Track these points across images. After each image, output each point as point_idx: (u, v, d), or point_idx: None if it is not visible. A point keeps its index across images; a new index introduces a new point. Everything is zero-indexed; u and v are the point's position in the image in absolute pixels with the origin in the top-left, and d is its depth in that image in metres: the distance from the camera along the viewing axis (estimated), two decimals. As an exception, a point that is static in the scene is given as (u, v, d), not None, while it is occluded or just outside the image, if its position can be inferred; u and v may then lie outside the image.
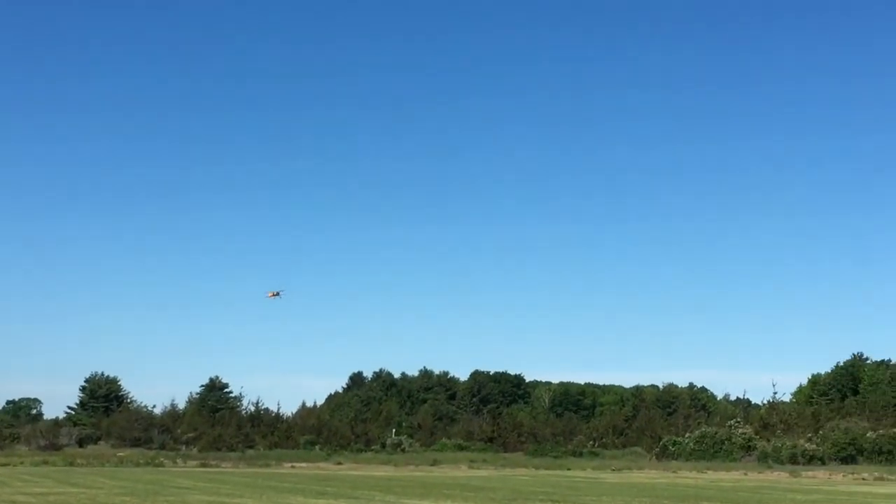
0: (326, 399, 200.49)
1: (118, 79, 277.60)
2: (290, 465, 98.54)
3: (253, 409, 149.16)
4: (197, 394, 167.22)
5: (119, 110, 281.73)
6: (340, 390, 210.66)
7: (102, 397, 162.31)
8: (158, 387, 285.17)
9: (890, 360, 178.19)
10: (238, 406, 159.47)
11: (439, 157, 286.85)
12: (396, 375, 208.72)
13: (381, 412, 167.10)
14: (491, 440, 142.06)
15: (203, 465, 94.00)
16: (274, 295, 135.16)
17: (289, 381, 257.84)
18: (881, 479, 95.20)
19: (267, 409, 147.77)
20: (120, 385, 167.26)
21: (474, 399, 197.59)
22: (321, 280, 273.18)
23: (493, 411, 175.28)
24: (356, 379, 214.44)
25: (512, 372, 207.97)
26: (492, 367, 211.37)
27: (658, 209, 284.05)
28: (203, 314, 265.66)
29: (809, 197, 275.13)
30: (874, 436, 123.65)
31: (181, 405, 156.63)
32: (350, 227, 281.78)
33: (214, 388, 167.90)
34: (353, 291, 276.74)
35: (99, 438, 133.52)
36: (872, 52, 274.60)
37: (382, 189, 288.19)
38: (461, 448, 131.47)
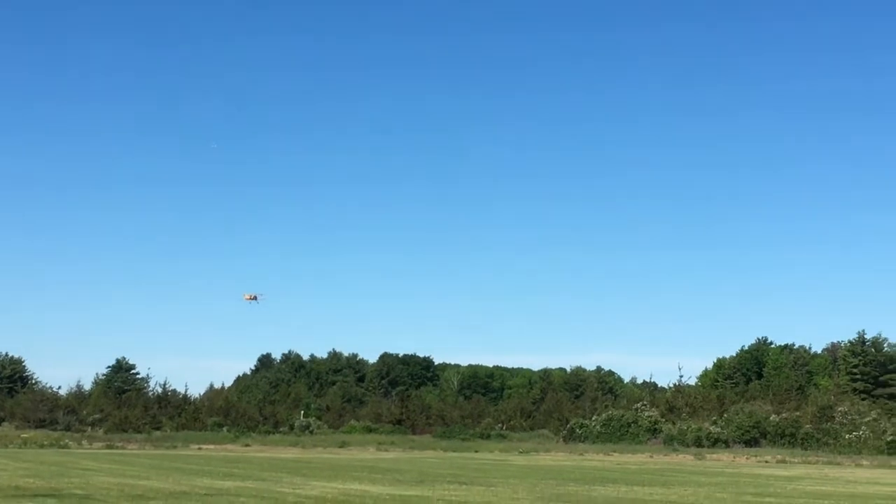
0: (234, 381, 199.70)
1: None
2: (197, 446, 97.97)
3: (160, 390, 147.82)
4: (103, 375, 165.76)
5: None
6: (248, 372, 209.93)
7: (6, 378, 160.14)
8: (64, 368, 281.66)
9: (793, 345, 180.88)
10: (145, 387, 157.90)
11: (347, 139, 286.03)
12: (305, 357, 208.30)
13: (290, 394, 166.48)
14: (399, 422, 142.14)
15: (109, 447, 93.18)
16: (251, 298, 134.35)
17: (196, 363, 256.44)
18: (783, 461, 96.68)
19: (174, 391, 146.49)
20: (24, 366, 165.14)
21: (383, 381, 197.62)
22: (229, 262, 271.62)
23: (401, 394, 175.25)
24: (264, 361, 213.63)
25: (421, 354, 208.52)
26: (401, 350, 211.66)
27: (562, 193, 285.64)
28: (109, 295, 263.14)
29: (714, 182, 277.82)
30: (777, 419, 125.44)
31: (87, 386, 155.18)
32: (257, 211, 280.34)
33: (121, 370, 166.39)
34: (261, 273, 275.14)
35: (2, 420, 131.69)
36: None
37: (293, 171, 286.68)
38: (369, 430, 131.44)
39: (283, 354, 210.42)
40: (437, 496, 39.59)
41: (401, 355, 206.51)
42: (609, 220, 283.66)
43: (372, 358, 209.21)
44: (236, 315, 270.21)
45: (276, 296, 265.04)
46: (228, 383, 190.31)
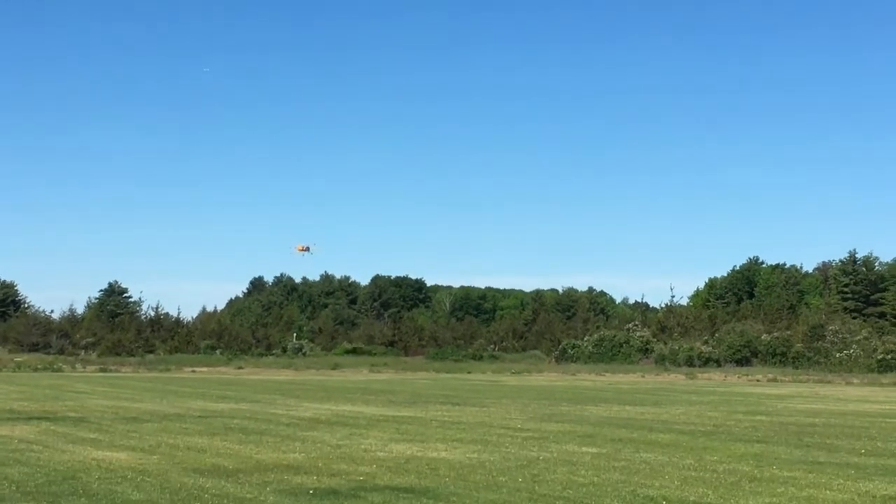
0: (227, 304, 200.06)
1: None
2: (190, 369, 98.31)
3: (153, 313, 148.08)
4: (96, 299, 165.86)
5: None
6: (241, 295, 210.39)
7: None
8: (56, 292, 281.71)
9: (784, 264, 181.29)
10: (137, 311, 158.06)
11: (332, 63, 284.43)
12: (297, 280, 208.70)
13: (282, 317, 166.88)
14: (392, 344, 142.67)
15: (102, 370, 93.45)
16: (303, 249, 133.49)
17: (189, 287, 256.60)
18: (774, 380, 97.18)
19: (167, 314, 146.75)
20: (17, 290, 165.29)
21: (375, 303, 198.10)
22: (222, 183, 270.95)
23: (393, 315, 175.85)
24: (257, 284, 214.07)
25: (413, 276, 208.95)
26: (393, 272, 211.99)
27: (554, 111, 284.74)
28: (101, 218, 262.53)
29: (705, 102, 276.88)
30: (768, 338, 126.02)
31: (80, 310, 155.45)
32: (252, 131, 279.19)
33: (113, 293, 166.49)
34: (254, 196, 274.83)
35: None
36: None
37: (281, 98, 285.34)
38: (362, 352, 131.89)
39: (276, 277, 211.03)
40: (431, 417, 39.79)
41: (393, 277, 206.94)
42: (598, 140, 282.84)
43: (364, 280, 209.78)
44: (228, 238, 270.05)
45: (266, 218, 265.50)
46: (221, 306, 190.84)
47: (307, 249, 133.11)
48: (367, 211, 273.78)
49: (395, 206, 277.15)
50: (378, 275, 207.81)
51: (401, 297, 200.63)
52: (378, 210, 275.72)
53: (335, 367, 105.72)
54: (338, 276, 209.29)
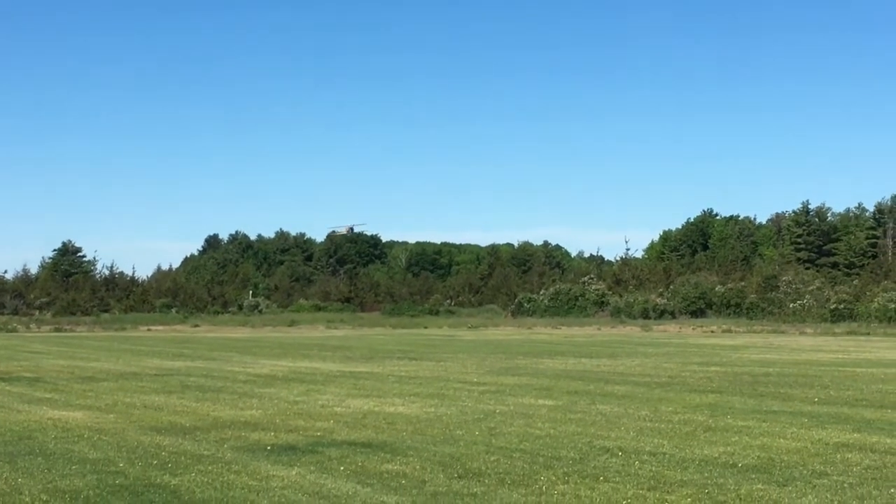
0: (182, 262, 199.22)
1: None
2: (146, 328, 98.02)
3: (107, 273, 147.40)
4: (49, 258, 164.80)
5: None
6: (196, 253, 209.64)
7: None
8: (9, 252, 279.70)
9: (738, 216, 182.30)
10: (92, 270, 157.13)
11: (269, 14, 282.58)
12: (252, 237, 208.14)
13: (238, 274, 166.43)
14: (348, 300, 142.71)
15: (57, 330, 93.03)
16: (348, 232, 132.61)
17: (143, 245, 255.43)
18: (728, 331, 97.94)
19: (122, 273, 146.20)
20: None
21: (331, 260, 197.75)
22: (174, 141, 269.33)
23: (349, 272, 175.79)
24: (212, 241, 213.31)
25: (368, 232, 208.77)
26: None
27: (511, 64, 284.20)
28: (54, 177, 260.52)
29: (657, 51, 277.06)
30: (723, 290, 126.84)
31: (33, 270, 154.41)
32: (206, 87, 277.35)
33: (67, 253, 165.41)
34: (207, 152, 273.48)
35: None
36: None
37: (229, 50, 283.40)
38: (318, 309, 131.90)
39: (231, 235, 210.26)
40: (387, 372, 39.89)
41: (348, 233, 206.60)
42: (551, 94, 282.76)
43: (319, 237, 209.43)
44: (182, 195, 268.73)
45: (221, 175, 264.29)
46: (176, 265, 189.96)
47: (351, 231, 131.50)
48: (321, 167, 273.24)
49: (349, 161, 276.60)
50: (333, 231, 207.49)
51: (356, 254, 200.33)
52: (332, 166, 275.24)
53: (292, 323, 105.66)
54: (293, 233, 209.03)
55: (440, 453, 18.74)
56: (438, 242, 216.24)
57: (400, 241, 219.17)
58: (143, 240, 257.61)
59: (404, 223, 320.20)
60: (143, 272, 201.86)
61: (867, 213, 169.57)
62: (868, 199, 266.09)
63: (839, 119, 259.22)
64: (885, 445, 20.07)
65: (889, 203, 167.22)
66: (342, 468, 17.03)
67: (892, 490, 15.29)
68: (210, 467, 17.15)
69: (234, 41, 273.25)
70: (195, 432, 21.65)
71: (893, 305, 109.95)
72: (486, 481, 15.86)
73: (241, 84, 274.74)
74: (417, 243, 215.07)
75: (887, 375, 39.58)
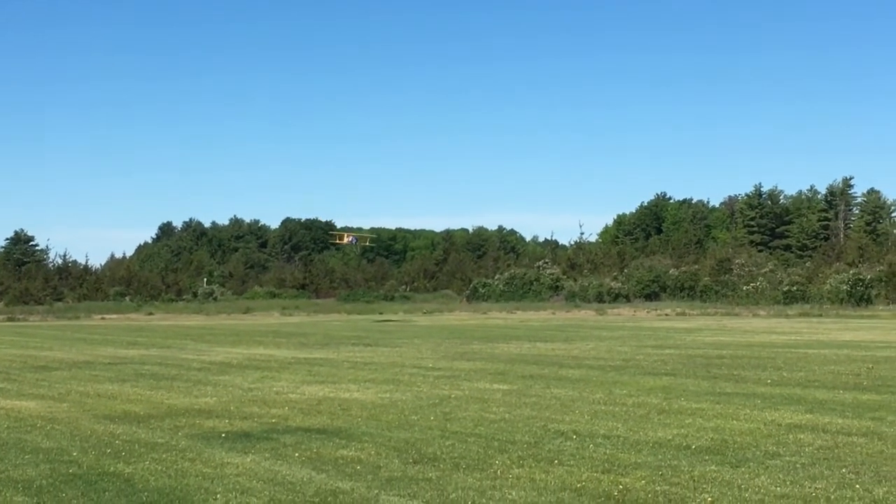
0: (136, 250, 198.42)
1: None
2: (99, 316, 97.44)
3: (60, 261, 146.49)
4: (2, 248, 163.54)
5: None
6: (150, 241, 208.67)
7: None
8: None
9: (691, 199, 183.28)
10: (45, 259, 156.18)
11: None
12: (206, 224, 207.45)
13: (192, 262, 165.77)
14: (303, 287, 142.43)
15: (10, 320, 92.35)
16: (364, 241, 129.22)
17: (97, 234, 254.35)
18: (682, 314, 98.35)
19: (75, 262, 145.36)
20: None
21: (286, 246, 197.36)
22: (128, 129, 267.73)
23: (304, 258, 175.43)
24: (165, 229, 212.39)
25: (323, 219, 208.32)
26: (303, 215, 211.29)
27: (471, 52, 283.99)
28: (6, 166, 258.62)
29: (612, 38, 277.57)
30: (676, 273, 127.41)
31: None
32: (156, 74, 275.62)
33: (20, 242, 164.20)
34: (159, 140, 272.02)
35: None
36: None
37: (198, 38, 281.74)
38: (273, 295, 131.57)
39: (185, 222, 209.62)
40: (342, 358, 39.86)
41: (303, 220, 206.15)
42: (504, 78, 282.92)
43: (274, 223, 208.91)
44: (135, 184, 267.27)
45: (174, 163, 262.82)
46: (129, 253, 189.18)
47: (352, 240, 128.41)
48: (275, 153, 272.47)
49: (303, 148, 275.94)
50: (288, 218, 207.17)
51: (311, 240, 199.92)
52: (286, 152, 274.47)
53: (246, 310, 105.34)
54: (247, 220, 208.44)
55: (395, 439, 18.75)
56: (393, 228, 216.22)
57: (355, 227, 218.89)
58: (96, 228, 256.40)
59: (359, 209, 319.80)
60: (97, 261, 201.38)
61: (819, 196, 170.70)
62: (820, 181, 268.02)
63: (791, 102, 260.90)
64: (837, 426, 20.22)
65: (840, 185, 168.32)
66: (297, 455, 17.01)
67: (843, 470, 15.41)
68: (164, 455, 17.09)
69: (185, 23, 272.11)
70: (149, 420, 21.56)
71: (845, 287, 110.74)
72: (442, 466, 15.88)
73: (192, 71, 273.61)
74: (372, 229, 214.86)
75: (839, 357, 39.87)
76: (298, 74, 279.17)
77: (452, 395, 25.87)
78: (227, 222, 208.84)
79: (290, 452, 17.25)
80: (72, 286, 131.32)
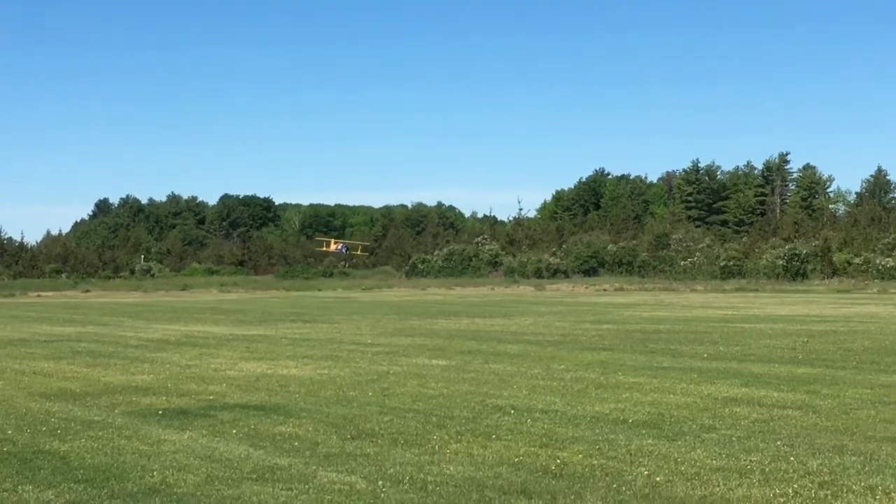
0: (72, 227, 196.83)
1: None
2: (35, 294, 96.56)
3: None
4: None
5: None
6: (86, 218, 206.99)
7: None
8: None
9: (630, 175, 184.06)
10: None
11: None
12: (144, 201, 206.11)
13: (129, 239, 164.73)
14: (241, 263, 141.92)
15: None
16: (336, 246, 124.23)
17: (32, 211, 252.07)
18: (621, 289, 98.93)
19: (10, 239, 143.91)
20: None
21: (224, 223, 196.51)
22: (65, 104, 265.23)
23: (243, 235, 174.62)
24: (102, 206, 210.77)
25: (261, 195, 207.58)
26: (241, 191, 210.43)
27: (406, 28, 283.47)
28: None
29: (551, 15, 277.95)
30: (615, 248, 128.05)
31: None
32: (95, 49, 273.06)
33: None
34: (94, 116, 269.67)
35: None
36: None
37: (131, 9, 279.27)
38: (211, 272, 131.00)
39: (122, 199, 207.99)
40: (281, 335, 39.75)
41: (241, 196, 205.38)
42: (443, 55, 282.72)
43: (212, 200, 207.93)
44: (71, 159, 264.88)
45: (110, 139, 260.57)
46: (66, 230, 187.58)
47: (342, 248, 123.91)
48: (213, 129, 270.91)
49: (241, 124, 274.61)
50: (226, 194, 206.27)
51: (249, 216, 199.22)
52: (224, 128, 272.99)
53: (184, 287, 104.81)
54: (185, 197, 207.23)
55: (333, 415, 18.72)
56: (332, 204, 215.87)
57: (293, 203, 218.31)
58: (31, 205, 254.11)
59: (297, 185, 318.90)
60: (32, 238, 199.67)
61: (756, 172, 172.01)
62: (757, 157, 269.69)
63: (728, 78, 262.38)
64: (773, 399, 20.40)
65: (777, 161, 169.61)
66: (234, 431, 16.94)
67: (778, 442, 15.55)
68: (100, 433, 16.97)
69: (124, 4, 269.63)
70: (85, 398, 21.40)
71: (781, 262, 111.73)
72: (380, 441, 15.88)
73: (127, 46, 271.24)
74: (311, 205, 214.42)
75: (774, 331, 40.24)
76: (234, 49, 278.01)
77: (391, 371, 25.87)
78: (164, 199, 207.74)
79: (228, 429, 17.18)
80: (7, 263, 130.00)
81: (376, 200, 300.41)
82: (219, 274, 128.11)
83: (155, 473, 13.73)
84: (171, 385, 23.41)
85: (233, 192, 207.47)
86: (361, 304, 69.57)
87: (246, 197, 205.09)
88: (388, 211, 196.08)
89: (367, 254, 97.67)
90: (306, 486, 12.83)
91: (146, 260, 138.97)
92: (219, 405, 20.16)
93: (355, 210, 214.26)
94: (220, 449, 15.43)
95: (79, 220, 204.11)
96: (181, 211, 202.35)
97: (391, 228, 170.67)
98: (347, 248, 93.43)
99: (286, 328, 44.05)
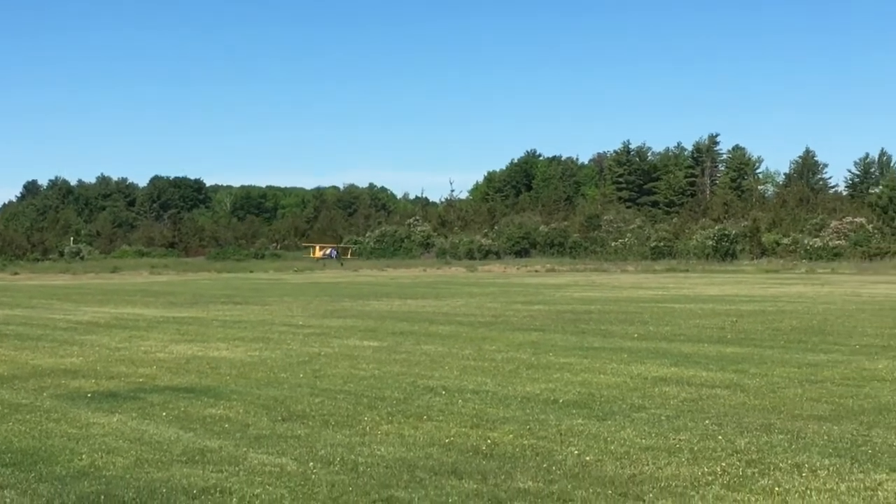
0: (0, 209, 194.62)
1: None
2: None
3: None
4: None
5: None
6: (14, 199, 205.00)
7: None
8: None
9: (561, 156, 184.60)
10: None
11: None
12: (73, 183, 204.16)
13: (58, 221, 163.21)
14: (172, 245, 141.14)
15: None
16: (324, 254, 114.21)
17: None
18: (552, 270, 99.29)
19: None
20: None
21: (154, 205, 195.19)
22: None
23: (173, 217, 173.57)
24: (31, 188, 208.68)
25: (192, 177, 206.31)
26: (172, 173, 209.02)
27: (338, 13, 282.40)
28: None
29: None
30: (546, 229, 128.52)
31: None
32: (29, 30, 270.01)
33: None
34: (24, 97, 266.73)
35: None
36: None
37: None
38: (142, 254, 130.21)
39: (50, 181, 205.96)
40: (212, 317, 39.55)
41: (172, 178, 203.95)
42: (375, 37, 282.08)
43: (142, 181, 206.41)
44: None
45: (38, 120, 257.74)
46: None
47: (331, 253, 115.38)
48: (143, 110, 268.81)
49: (172, 105, 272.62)
50: (157, 176, 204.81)
51: (180, 198, 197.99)
52: (155, 109, 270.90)
53: (114, 270, 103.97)
54: (115, 178, 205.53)
55: (264, 396, 18.68)
56: (263, 186, 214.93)
57: (224, 185, 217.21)
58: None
59: (229, 167, 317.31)
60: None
61: (686, 153, 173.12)
62: (687, 138, 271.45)
63: (659, 60, 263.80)
64: (701, 378, 20.58)
65: (706, 143, 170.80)
66: (164, 414, 16.85)
67: (706, 421, 15.69)
68: (28, 416, 16.82)
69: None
70: (13, 381, 21.19)
71: (711, 242, 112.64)
72: (310, 423, 15.86)
73: (57, 27, 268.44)
74: (242, 187, 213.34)
75: (704, 311, 40.60)
76: (167, 30, 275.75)
77: (322, 353, 25.84)
78: (94, 180, 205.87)
79: (158, 412, 17.09)
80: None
81: (308, 182, 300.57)
82: (149, 256, 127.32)
83: (84, 456, 13.63)
84: (100, 368, 23.24)
85: (164, 174, 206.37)
86: (293, 286, 69.35)
87: (177, 178, 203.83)
88: (319, 193, 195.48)
89: (357, 257, 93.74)
90: (236, 468, 12.79)
91: (76, 242, 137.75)
92: (148, 388, 20.04)
93: (287, 192, 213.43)
94: (150, 431, 15.34)
95: (7, 202, 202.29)
96: (111, 193, 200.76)
97: (323, 210, 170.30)
98: (337, 253, 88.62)
99: (217, 310, 43.82)
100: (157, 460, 13.38)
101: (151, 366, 23.48)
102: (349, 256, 70.83)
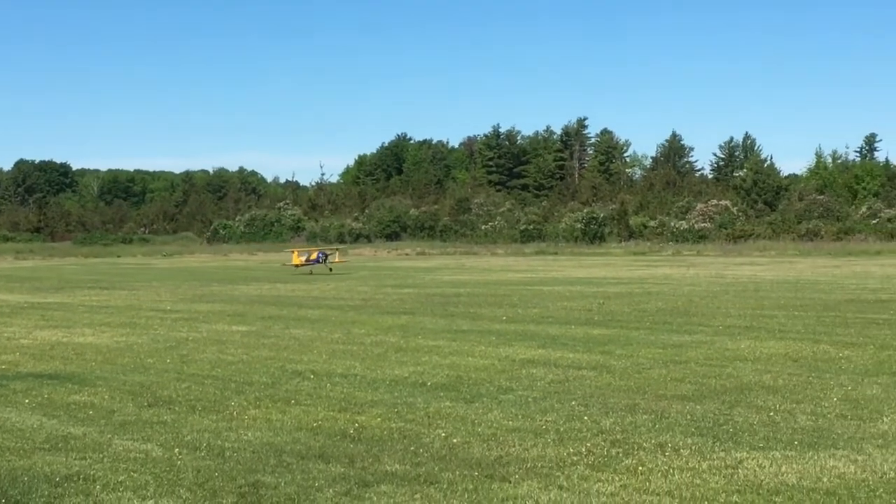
0: None
1: None
2: None
3: None
4: None
5: None
6: None
7: None
8: None
9: (432, 140, 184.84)
10: None
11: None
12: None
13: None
14: (38, 230, 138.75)
15: None
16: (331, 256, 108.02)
17: None
18: (423, 253, 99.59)
19: None
20: None
21: (19, 189, 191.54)
22: None
23: (39, 201, 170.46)
24: None
25: (58, 160, 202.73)
26: (37, 156, 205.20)
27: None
28: None
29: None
30: (417, 213, 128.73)
31: None
32: None
33: None
34: None
35: None
36: None
37: None
38: (7, 239, 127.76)
39: None
40: (78, 302, 39.02)
41: (37, 161, 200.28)
42: (248, 18, 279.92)
43: (6, 165, 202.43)
44: None
45: None
46: None
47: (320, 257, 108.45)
48: (6, 92, 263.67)
49: (37, 87, 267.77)
50: (21, 159, 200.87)
51: (46, 182, 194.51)
52: (20, 91, 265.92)
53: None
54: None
55: (130, 382, 18.48)
56: (131, 170, 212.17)
57: (91, 168, 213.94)
58: None
59: (95, 150, 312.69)
60: None
61: (555, 137, 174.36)
62: (556, 122, 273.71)
63: (529, 43, 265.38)
64: (568, 360, 20.79)
65: (575, 126, 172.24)
66: (27, 401, 16.59)
67: (573, 402, 15.85)
68: None
69: None
70: None
71: (580, 225, 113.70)
72: (177, 408, 15.73)
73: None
74: (109, 171, 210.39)
75: (572, 293, 41.02)
76: (34, 7, 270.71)
77: (190, 338, 25.64)
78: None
79: (20, 399, 16.82)
80: None
81: (177, 166, 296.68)
82: (14, 241, 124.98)
83: (-57, 446, 13.38)
84: (-39, 355, 22.81)
85: (29, 158, 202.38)
86: (161, 271, 68.69)
87: (42, 162, 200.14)
88: (188, 176, 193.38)
89: (345, 261, 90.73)
90: (101, 455, 12.65)
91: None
92: (11, 374, 19.71)
93: (155, 176, 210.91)
94: (12, 419, 15.09)
95: None
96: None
97: (192, 194, 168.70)
98: (325, 257, 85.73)
99: (83, 295, 43.25)
100: (19, 448, 13.17)
101: (14, 352, 23.09)
102: (337, 261, 67.62)
